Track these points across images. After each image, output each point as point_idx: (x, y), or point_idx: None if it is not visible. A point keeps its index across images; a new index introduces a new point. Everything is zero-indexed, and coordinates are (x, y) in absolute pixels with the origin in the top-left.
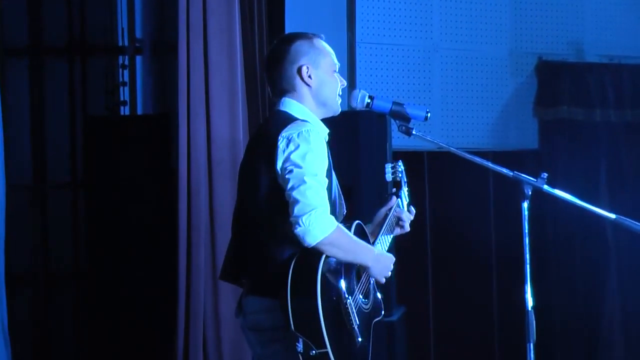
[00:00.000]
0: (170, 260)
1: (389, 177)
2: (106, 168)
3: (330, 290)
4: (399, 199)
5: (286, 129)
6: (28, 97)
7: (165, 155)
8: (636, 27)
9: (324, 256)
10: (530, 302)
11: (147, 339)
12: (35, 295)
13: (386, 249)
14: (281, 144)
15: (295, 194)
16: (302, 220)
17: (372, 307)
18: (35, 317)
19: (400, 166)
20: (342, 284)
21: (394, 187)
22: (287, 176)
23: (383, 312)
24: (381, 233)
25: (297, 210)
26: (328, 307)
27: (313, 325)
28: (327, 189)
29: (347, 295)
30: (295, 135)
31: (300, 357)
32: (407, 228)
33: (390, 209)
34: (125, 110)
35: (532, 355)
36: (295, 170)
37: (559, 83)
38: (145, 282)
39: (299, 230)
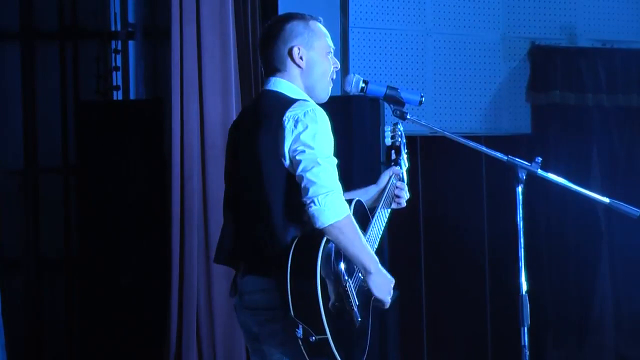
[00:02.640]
0: (162, 244)
1: (388, 140)
2: (98, 152)
3: (330, 273)
4: (398, 167)
5: (290, 109)
6: (20, 82)
7: (158, 139)
8: (629, 11)
9: (324, 239)
10: (524, 286)
11: (139, 322)
12: (27, 280)
13: (383, 225)
14: (288, 124)
15: (309, 175)
16: (317, 199)
17: None
18: (27, 301)
19: (400, 129)
20: (342, 265)
21: (393, 152)
22: (298, 157)
23: None
24: (380, 205)
25: (312, 191)
26: (327, 292)
27: (312, 311)
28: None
29: (346, 278)
30: (301, 115)
31: (300, 342)
32: (404, 204)
33: (393, 176)
34: (118, 95)
35: (526, 339)
36: (308, 151)
37: (551, 68)
38: (138, 266)
39: (314, 209)
